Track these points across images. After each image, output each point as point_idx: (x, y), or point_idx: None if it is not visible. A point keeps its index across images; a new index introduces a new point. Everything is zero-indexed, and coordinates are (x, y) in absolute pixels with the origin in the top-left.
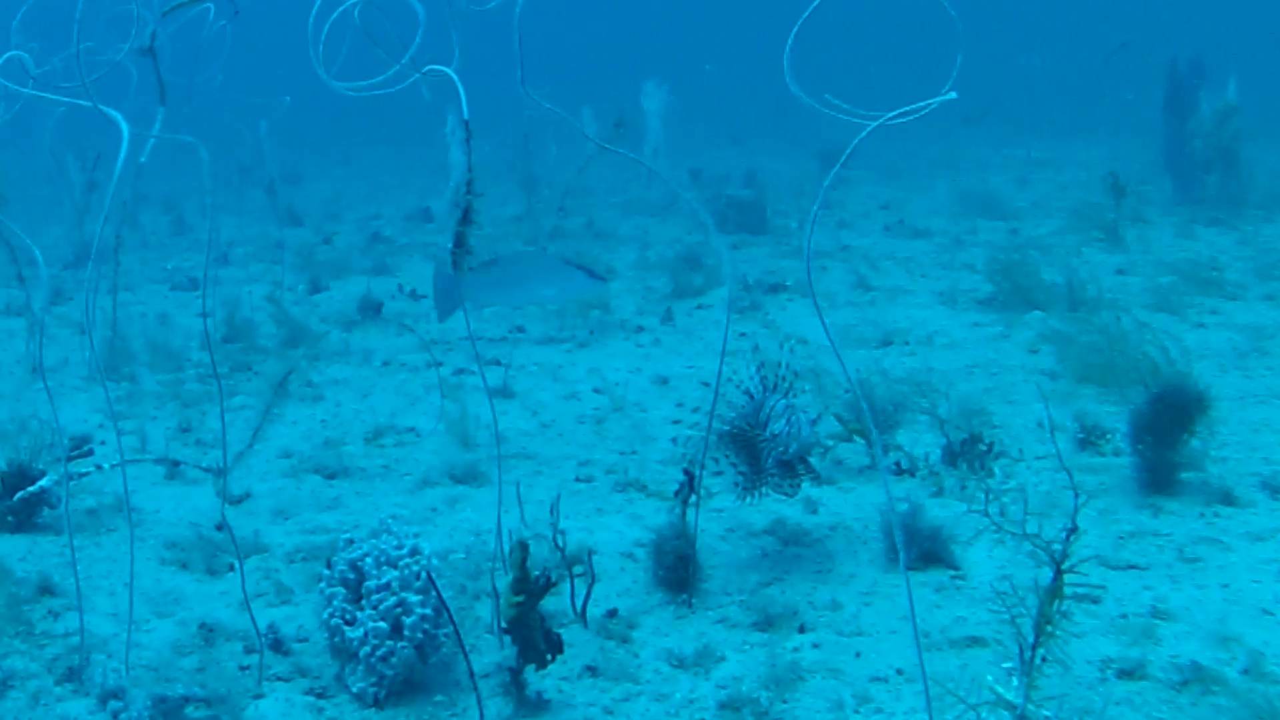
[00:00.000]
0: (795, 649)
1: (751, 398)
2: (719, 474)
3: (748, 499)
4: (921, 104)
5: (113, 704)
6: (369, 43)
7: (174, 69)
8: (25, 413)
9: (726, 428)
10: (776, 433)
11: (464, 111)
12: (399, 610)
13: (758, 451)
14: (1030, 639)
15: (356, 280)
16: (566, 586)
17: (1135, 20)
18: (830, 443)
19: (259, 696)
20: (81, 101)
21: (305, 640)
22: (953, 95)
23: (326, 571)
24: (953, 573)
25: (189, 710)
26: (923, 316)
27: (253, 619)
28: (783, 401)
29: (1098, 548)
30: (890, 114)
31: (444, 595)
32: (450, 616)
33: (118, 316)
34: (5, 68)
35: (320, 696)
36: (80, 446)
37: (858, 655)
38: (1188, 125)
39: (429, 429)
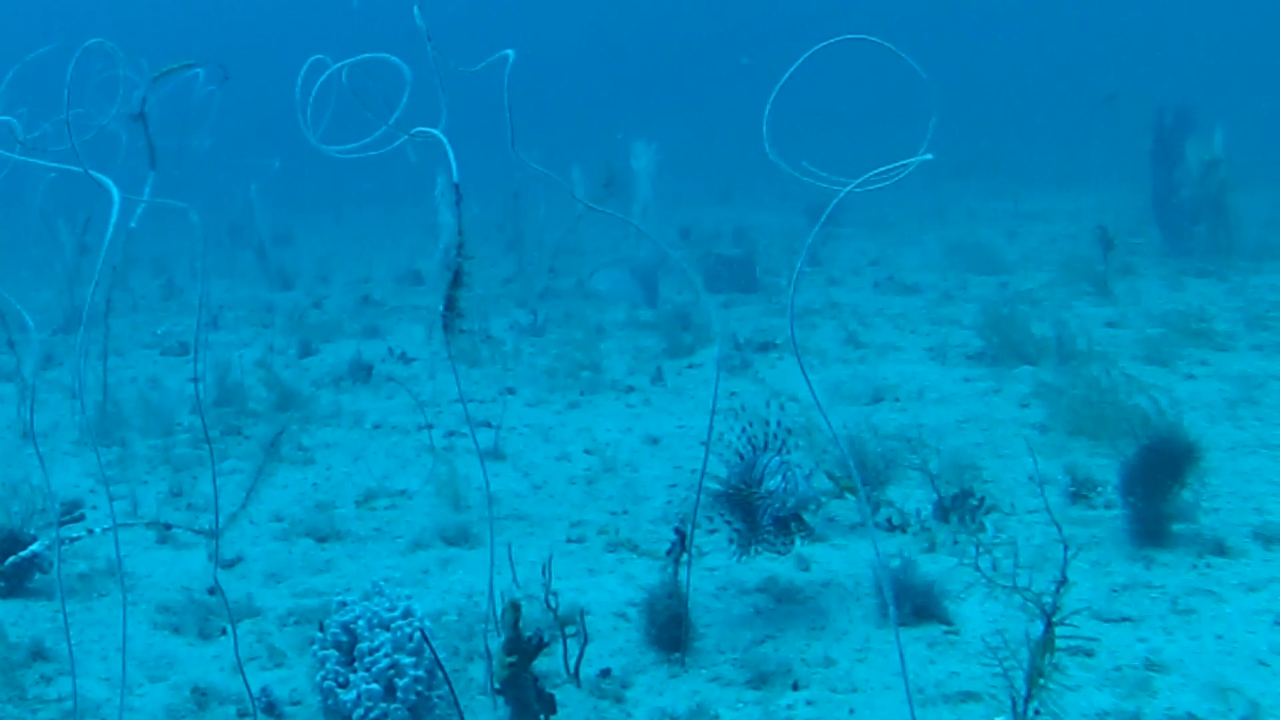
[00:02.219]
0: (789, 706)
1: (742, 458)
2: (713, 531)
3: (743, 557)
4: (897, 164)
5: None
6: (357, 103)
7: (164, 132)
8: (16, 477)
9: (721, 487)
10: (773, 489)
11: (454, 174)
12: (392, 672)
13: (753, 509)
14: (1023, 692)
15: (347, 343)
16: (559, 647)
17: (1123, 70)
18: (824, 499)
19: None
20: (72, 166)
21: (299, 703)
22: (929, 156)
23: (319, 634)
24: (945, 627)
25: None
26: (913, 372)
27: (246, 682)
28: (777, 459)
29: (1090, 600)
30: (864, 176)
31: (437, 657)
32: (445, 676)
33: (108, 381)
34: None
35: None
36: (72, 511)
37: (852, 712)
38: (1175, 175)
39: (420, 490)
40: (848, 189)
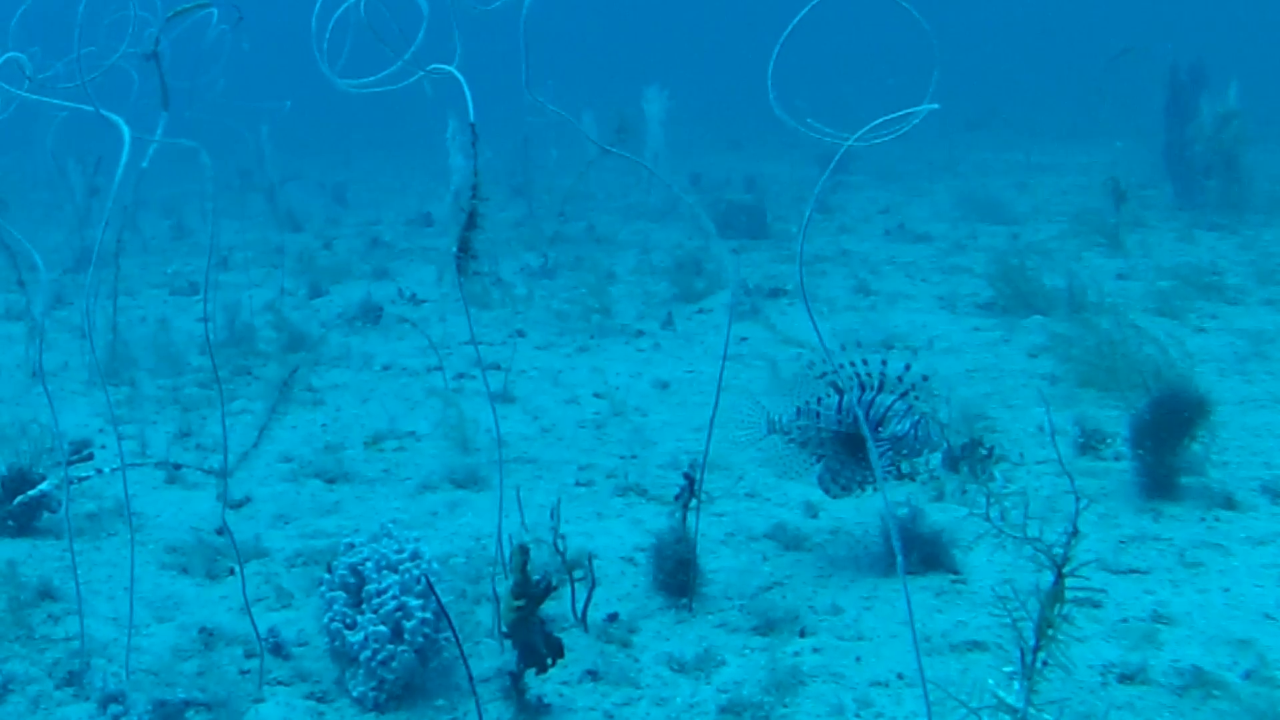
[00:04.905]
0: (796, 653)
1: (841, 393)
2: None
3: (852, 495)
4: (900, 114)
5: (113, 708)
6: (371, 44)
7: (175, 73)
8: (25, 417)
9: (829, 426)
10: (899, 434)
11: (470, 114)
12: (399, 614)
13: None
14: (1031, 643)
15: (357, 285)
16: (567, 591)
17: (1137, 24)
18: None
19: (259, 701)
20: (84, 106)
21: (305, 644)
22: (935, 106)
23: (327, 576)
24: (953, 577)
25: (189, 715)
26: (923, 321)
27: (253, 623)
28: (902, 403)
29: (1099, 552)
30: (865, 128)
31: (444, 600)
32: (449, 620)
33: (118, 321)
34: (3, 70)
35: (320, 701)
36: (80, 451)
37: (858, 660)
38: (1188, 130)
39: (429, 433)
40: (850, 141)
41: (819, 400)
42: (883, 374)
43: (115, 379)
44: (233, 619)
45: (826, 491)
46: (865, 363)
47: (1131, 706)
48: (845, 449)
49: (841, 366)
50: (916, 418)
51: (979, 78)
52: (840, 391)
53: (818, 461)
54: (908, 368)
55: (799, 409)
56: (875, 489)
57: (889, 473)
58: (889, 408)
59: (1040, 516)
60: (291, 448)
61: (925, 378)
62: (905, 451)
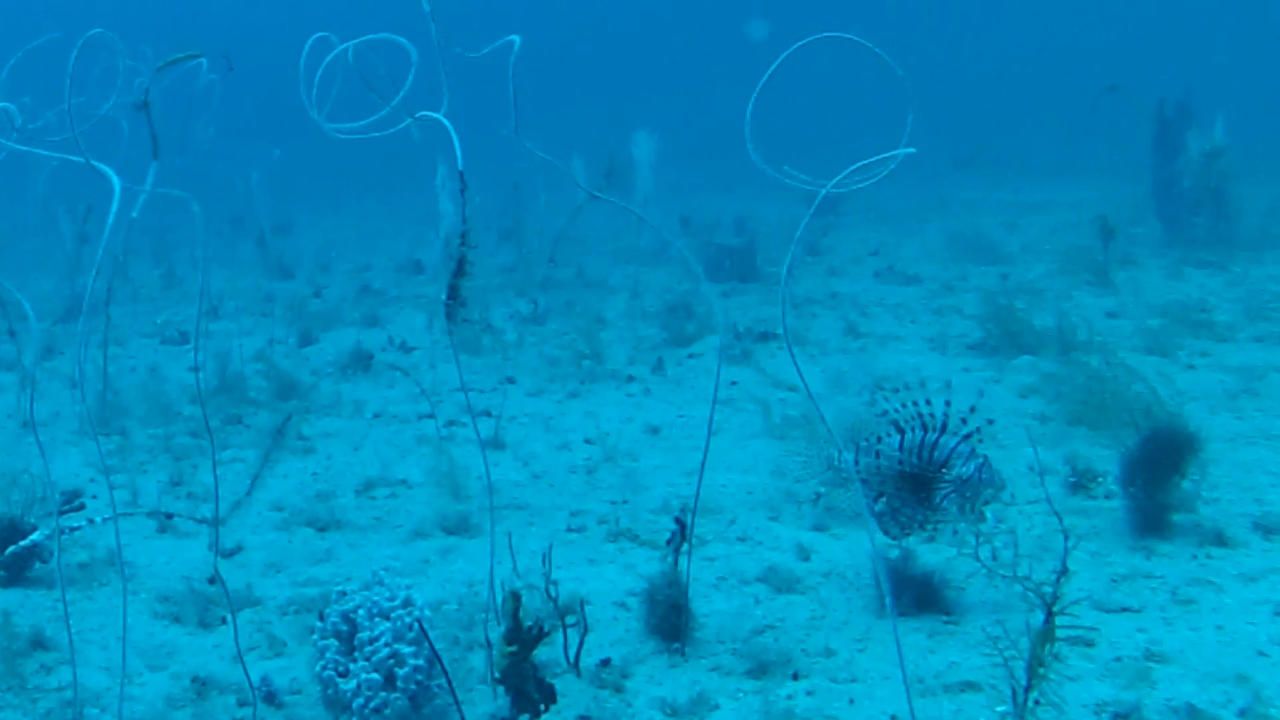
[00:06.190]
0: (789, 696)
1: (902, 432)
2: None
3: (912, 535)
4: (878, 158)
5: None
6: (360, 89)
7: (165, 120)
8: (16, 467)
9: (894, 465)
10: (965, 475)
11: (459, 162)
12: (392, 662)
13: (931, 490)
14: (1024, 682)
15: (347, 332)
16: (559, 636)
17: (1124, 61)
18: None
19: None
20: (73, 156)
21: (298, 693)
22: (911, 150)
23: (319, 624)
24: (945, 618)
25: None
26: (914, 362)
27: (246, 672)
28: (966, 445)
29: (1090, 590)
30: (842, 174)
31: (437, 646)
32: (443, 667)
33: (109, 370)
34: None
35: None
36: (72, 500)
37: (852, 702)
38: (1176, 166)
39: (420, 480)
40: (827, 188)
41: (879, 439)
42: (946, 415)
43: (106, 428)
44: (225, 667)
45: (886, 532)
46: (929, 403)
47: None
48: (907, 488)
49: (904, 406)
50: (980, 460)
51: (967, 115)
52: (901, 430)
53: (877, 500)
54: (973, 410)
55: (859, 446)
56: (933, 529)
57: (954, 511)
58: (953, 449)
59: (1031, 556)
60: (283, 496)
61: (990, 421)
62: (969, 494)
